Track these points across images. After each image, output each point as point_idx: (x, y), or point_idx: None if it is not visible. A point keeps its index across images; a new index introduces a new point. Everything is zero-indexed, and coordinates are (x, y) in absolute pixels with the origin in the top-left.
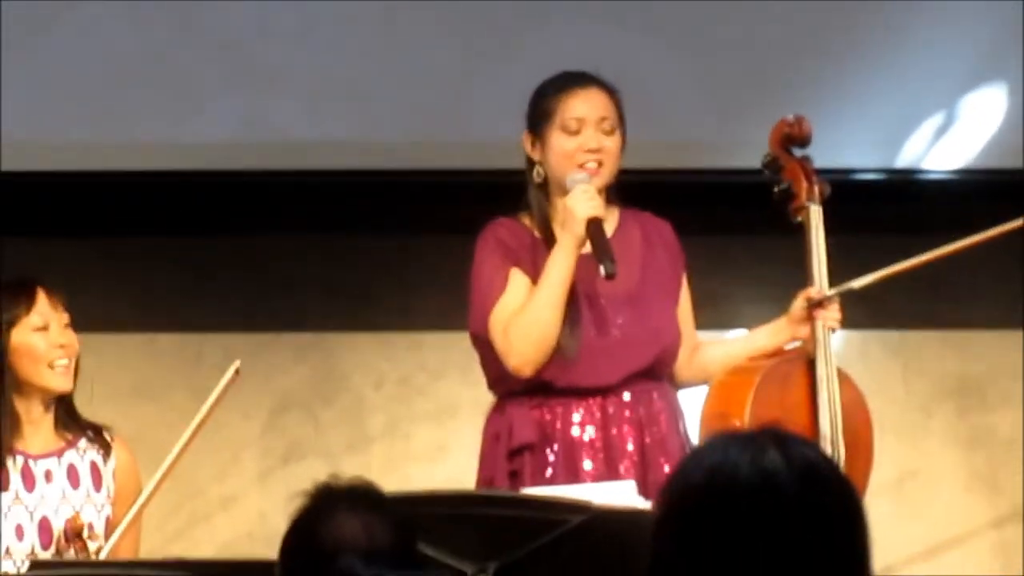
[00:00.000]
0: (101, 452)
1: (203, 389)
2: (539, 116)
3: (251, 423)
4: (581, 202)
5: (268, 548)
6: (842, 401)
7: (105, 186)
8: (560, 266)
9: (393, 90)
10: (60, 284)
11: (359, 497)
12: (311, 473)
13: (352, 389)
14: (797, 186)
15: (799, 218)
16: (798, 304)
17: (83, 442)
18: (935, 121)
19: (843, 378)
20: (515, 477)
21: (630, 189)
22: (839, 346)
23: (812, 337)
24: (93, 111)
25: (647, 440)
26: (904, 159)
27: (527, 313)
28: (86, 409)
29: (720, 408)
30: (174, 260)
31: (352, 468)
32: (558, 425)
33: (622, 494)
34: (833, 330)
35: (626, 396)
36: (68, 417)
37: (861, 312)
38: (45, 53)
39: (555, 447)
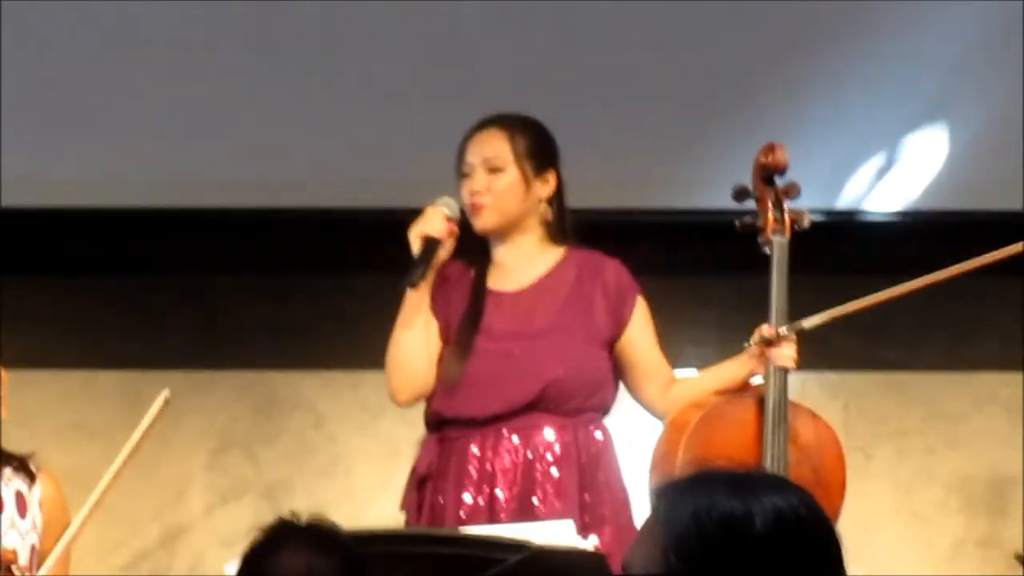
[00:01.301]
0: (26, 481)
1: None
2: (457, 163)
3: (193, 461)
4: (420, 221)
5: None
6: (808, 439)
7: (47, 223)
8: (408, 296)
9: (334, 131)
10: (2, 322)
11: (311, 535)
12: (253, 511)
13: (293, 428)
14: (764, 218)
15: (766, 248)
16: (754, 338)
17: (7, 471)
18: (875, 163)
19: (807, 416)
20: (420, 508)
21: (581, 227)
22: None
23: (766, 375)
24: (32, 146)
25: (530, 473)
26: (845, 200)
27: (390, 344)
28: (28, 443)
29: (662, 448)
30: (115, 298)
31: (293, 506)
32: (452, 456)
33: (561, 533)
34: (786, 369)
35: (516, 429)
36: None
37: (801, 352)
38: None
39: (449, 477)
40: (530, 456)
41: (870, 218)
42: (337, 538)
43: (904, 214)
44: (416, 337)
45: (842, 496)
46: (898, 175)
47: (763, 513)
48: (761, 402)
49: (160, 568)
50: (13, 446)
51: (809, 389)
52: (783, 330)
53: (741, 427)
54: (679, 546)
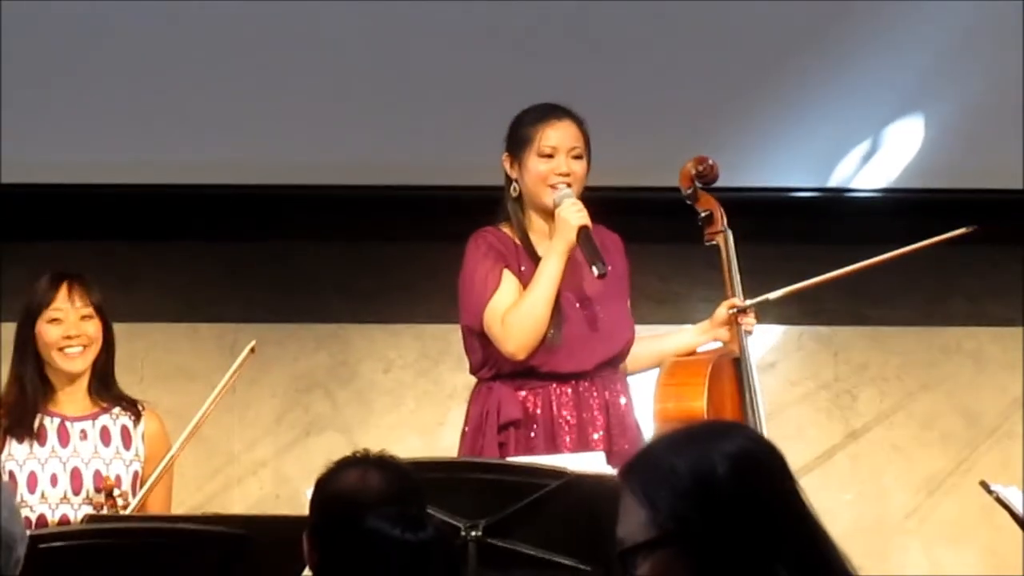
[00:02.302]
0: (132, 418)
1: (242, 372)
2: (518, 141)
3: (277, 401)
4: (572, 213)
5: (292, 507)
6: None
7: (156, 198)
8: (553, 267)
9: (402, 117)
10: (117, 282)
11: (368, 460)
12: (330, 444)
13: (364, 373)
14: (716, 215)
15: (715, 241)
16: (722, 310)
17: (116, 409)
18: (863, 146)
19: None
20: (503, 448)
21: (608, 203)
22: (778, 339)
23: (736, 339)
24: (149, 132)
25: (611, 419)
26: (835, 179)
27: (523, 307)
28: (136, 387)
29: (679, 392)
30: (214, 262)
31: (364, 440)
32: (539, 404)
33: (593, 463)
34: (749, 333)
35: (594, 381)
36: (102, 388)
37: (799, 311)
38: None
39: (538, 423)
40: (608, 403)
41: (857, 195)
42: (390, 461)
43: (887, 191)
44: (551, 310)
45: None
46: (881, 157)
47: (722, 457)
48: (735, 361)
49: (251, 493)
50: (124, 389)
51: (805, 342)
52: (749, 302)
53: (730, 380)
54: (662, 509)
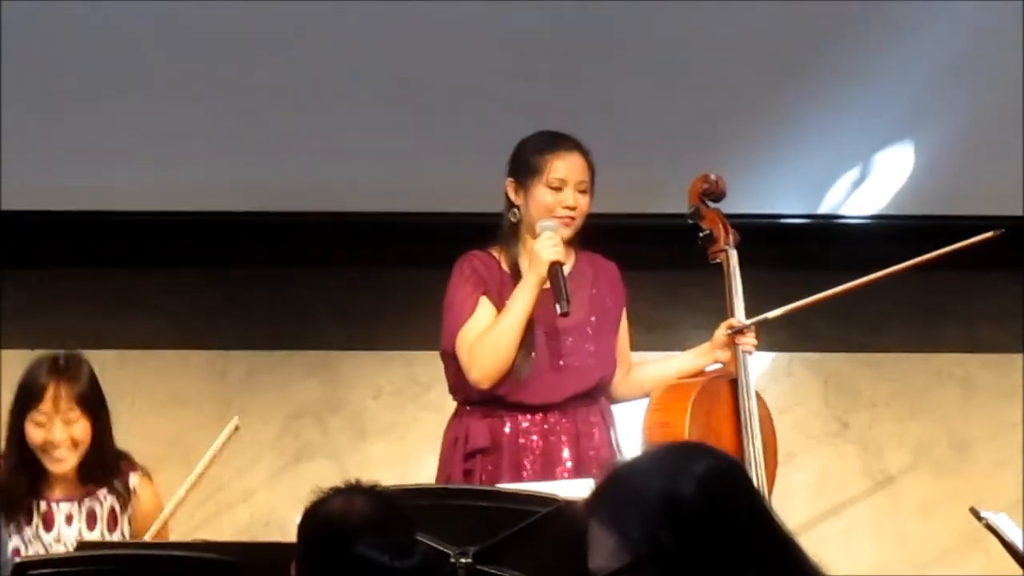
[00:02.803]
0: (120, 500)
1: (228, 399)
2: (526, 169)
3: (268, 428)
4: (547, 247)
5: (282, 534)
6: (759, 413)
7: (150, 225)
8: (523, 299)
9: (397, 145)
10: (111, 308)
11: (370, 494)
12: (320, 471)
13: (355, 399)
14: (717, 233)
15: (718, 259)
16: (721, 331)
17: (104, 491)
18: (854, 173)
19: (757, 396)
20: (468, 475)
21: (600, 229)
22: (768, 365)
23: (734, 359)
24: (145, 159)
25: (581, 451)
26: (826, 206)
27: (491, 336)
28: (127, 414)
29: (664, 418)
30: (204, 288)
31: (355, 466)
32: (507, 432)
33: (584, 490)
34: (750, 353)
35: (565, 413)
36: (92, 473)
37: (788, 336)
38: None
39: (503, 452)
40: (580, 434)
41: (847, 221)
42: (378, 489)
43: (877, 218)
44: (518, 341)
45: (776, 460)
46: (871, 185)
47: (689, 477)
48: (732, 383)
49: (240, 520)
50: (115, 416)
51: (795, 367)
52: (747, 322)
53: (725, 403)
54: (633, 534)
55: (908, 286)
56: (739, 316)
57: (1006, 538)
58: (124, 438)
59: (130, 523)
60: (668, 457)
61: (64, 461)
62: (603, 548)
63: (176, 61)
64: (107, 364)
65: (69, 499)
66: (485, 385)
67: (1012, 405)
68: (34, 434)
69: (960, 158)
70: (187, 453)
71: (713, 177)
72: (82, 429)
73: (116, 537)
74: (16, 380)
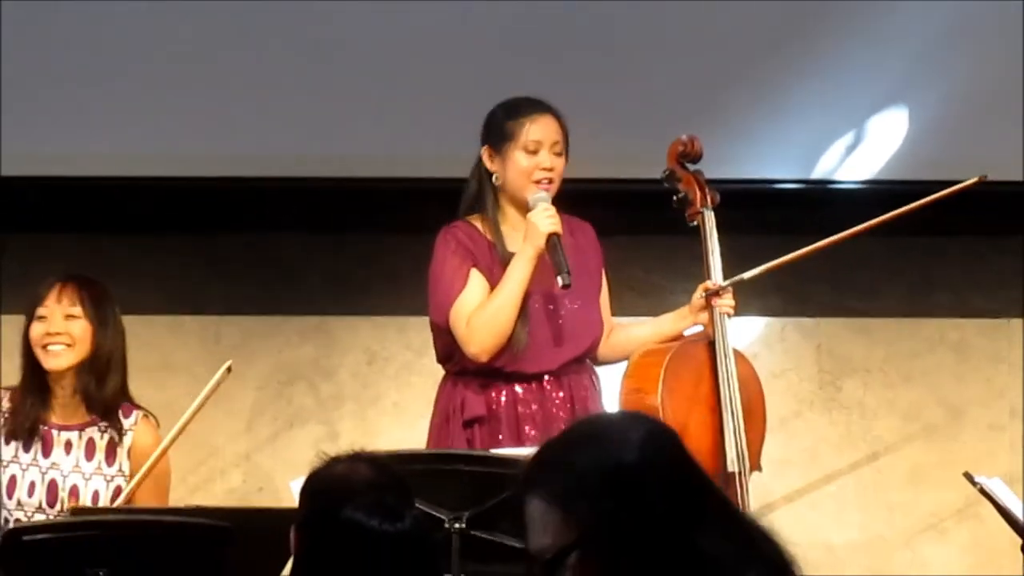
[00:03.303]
0: (120, 433)
1: (221, 363)
2: (501, 135)
3: (262, 393)
4: (543, 219)
5: (275, 499)
6: (741, 374)
7: (141, 190)
8: (521, 271)
9: (386, 111)
10: (101, 275)
11: (369, 461)
12: (313, 437)
13: (348, 365)
14: (692, 195)
15: (695, 222)
16: (697, 294)
17: (104, 423)
18: (847, 138)
19: (739, 356)
20: (469, 443)
21: (591, 195)
22: (761, 330)
23: (711, 322)
24: (136, 125)
25: (576, 414)
26: (819, 171)
27: (488, 310)
28: (132, 384)
29: (636, 384)
30: (199, 254)
31: (348, 432)
32: (503, 401)
33: None
34: (728, 315)
35: (559, 379)
36: (93, 397)
37: (781, 301)
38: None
39: (501, 420)
40: (574, 397)
41: (840, 186)
42: (374, 456)
43: (870, 183)
44: (517, 313)
45: (765, 419)
46: (864, 150)
47: (628, 446)
48: (710, 344)
49: (234, 484)
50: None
51: (788, 332)
52: (723, 283)
53: (702, 365)
54: (575, 509)
55: (901, 252)
56: (716, 278)
57: (1001, 503)
58: None
59: (129, 457)
60: (602, 428)
61: (59, 356)
62: (546, 526)
63: (162, 29)
64: None
65: (68, 427)
66: (484, 358)
67: (1005, 370)
68: (35, 330)
69: (954, 123)
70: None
71: (685, 138)
72: (81, 329)
73: (114, 470)
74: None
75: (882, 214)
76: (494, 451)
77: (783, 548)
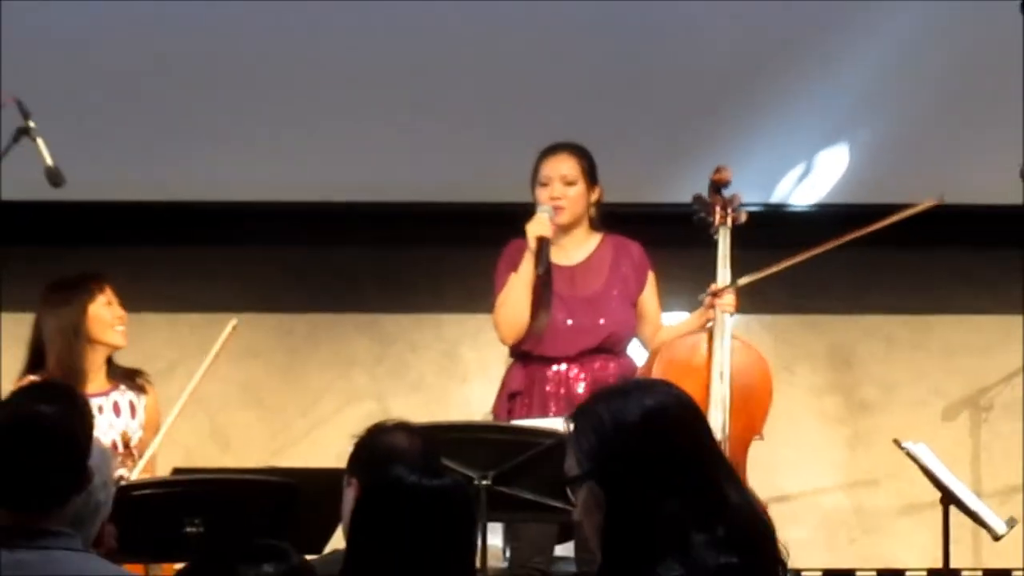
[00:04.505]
0: (137, 393)
1: (294, 351)
2: (533, 175)
3: (326, 375)
4: (533, 226)
5: (337, 462)
6: (742, 363)
7: (229, 212)
8: (522, 269)
9: (431, 146)
10: (198, 280)
11: (409, 429)
12: (367, 412)
13: (395, 353)
14: (713, 216)
15: (716, 237)
16: (706, 293)
17: (123, 386)
18: (799, 167)
19: (747, 347)
20: (510, 412)
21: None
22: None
23: (714, 318)
24: (223, 156)
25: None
26: (776, 195)
27: (503, 303)
28: (221, 369)
29: (648, 370)
30: (277, 263)
31: (397, 408)
32: (536, 379)
33: None
34: (729, 313)
35: (582, 365)
36: (114, 369)
37: (746, 302)
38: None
39: (532, 395)
40: (595, 380)
41: (794, 209)
42: (414, 427)
43: (820, 206)
44: (527, 299)
45: (770, 399)
46: (816, 177)
47: (632, 412)
48: (709, 335)
49: (303, 450)
50: (199, 367)
51: (752, 326)
52: (722, 285)
53: (703, 354)
54: (589, 451)
55: (843, 260)
56: (721, 280)
57: (923, 464)
58: (208, 384)
59: (144, 412)
60: (628, 389)
61: (124, 336)
62: (571, 457)
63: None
64: (196, 324)
65: (98, 393)
66: (508, 342)
67: (925, 356)
68: (104, 312)
69: (890, 154)
70: (259, 396)
71: (721, 168)
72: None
73: (136, 424)
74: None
75: (830, 233)
76: (516, 422)
77: (766, 531)
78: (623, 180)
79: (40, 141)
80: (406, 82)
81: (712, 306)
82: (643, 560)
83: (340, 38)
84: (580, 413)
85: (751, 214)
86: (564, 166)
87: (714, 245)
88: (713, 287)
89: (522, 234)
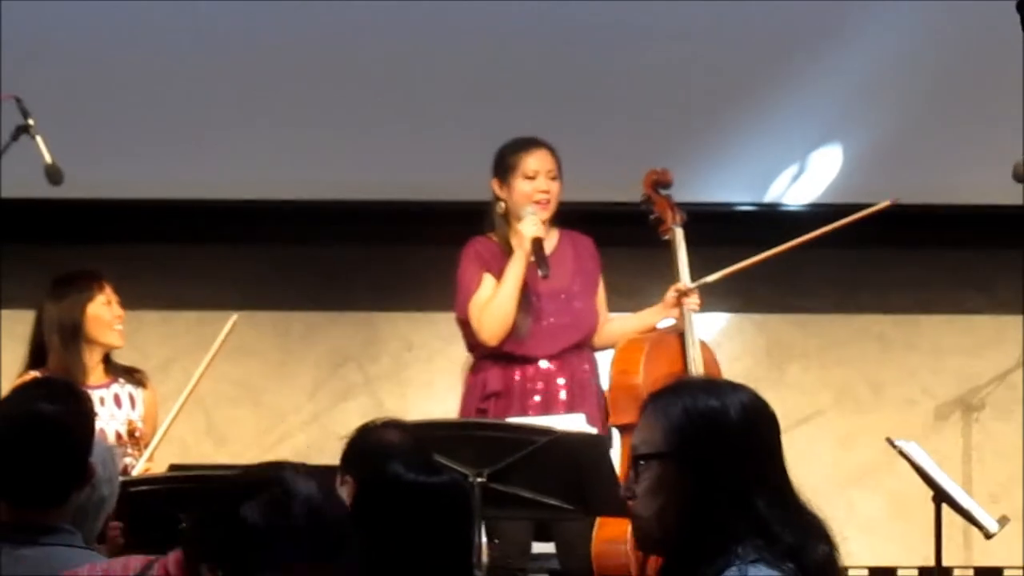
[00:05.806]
0: (136, 387)
1: (289, 349)
2: (506, 168)
3: (321, 373)
4: (529, 227)
5: (331, 458)
6: (707, 361)
7: (225, 210)
8: (515, 271)
9: (415, 146)
10: (192, 279)
11: (403, 427)
12: (361, 408)
13: (390, 351)
14: (664, 215)
15: (667, 237)
16: (669, 293)
17: (122, 380)
18: (792, 168)
19: (703, 346)
20: (482, 413)
21: (585, 215)
22: (722, 324)
23: (681, 317)
24: (216, 156)
25: (574, 388)
26: (770, 196)
27: (493, 304)
28: (217, 366)
29: (623, 367)
30: (272, 262)
31: (389, 404)
32: (516, 379)
33: (576, 423)
34: (695, 311)
35: (562, 361)
36: (111, 363)
37: (739, 302)
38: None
39: (514, 395)
40: (573, 377)
41: (787, 209)
42: (412, 427)
43: (812, 206)
44: (515, 302)
45: None
46: (807, 178)
47: (734, 406)
48: (680, 335)
49: (297, 445)
50: (196, 364)
51: (744, 326)
52: (691, 284)
53: (674, 352)
54: (674, 433)
55: (834, 260)
56: (685, 281)
57: (915, 462)
58: (204, 381)
59: (143, 405)
60: (718, 384)
61: (122, 336)
62: (650, 432)
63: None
64: (192, 322)
65: (99, 386)
66: (494, 343)
67: (916, 356)
68: (104, 312)
69: (880, 155)
70: (254, 394)
71: (659, 169)
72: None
73: (137, 414)
74: None
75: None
76: (509, 419)
77: (828, 529)
78: (614, 180)
79: (39, 139)
80: (404, 81)
81: (676, 305)
82: (724, 542)
83: (336, 37)
84: (672, 393)
85: (743, 213)
86: (548, 161)
87: (665, 244)
88: (678, 286)
89: (481, 231)
